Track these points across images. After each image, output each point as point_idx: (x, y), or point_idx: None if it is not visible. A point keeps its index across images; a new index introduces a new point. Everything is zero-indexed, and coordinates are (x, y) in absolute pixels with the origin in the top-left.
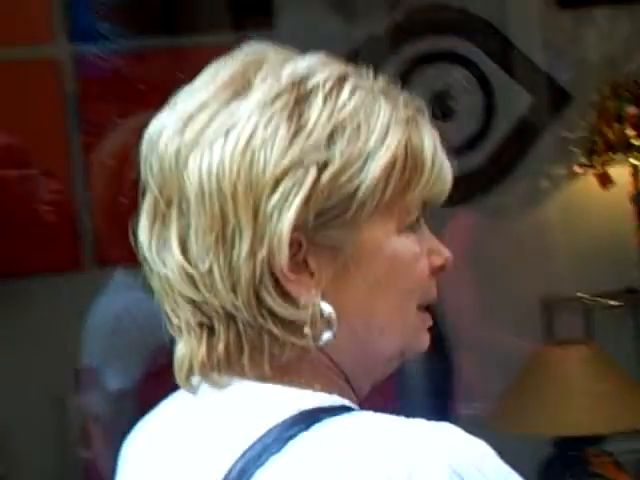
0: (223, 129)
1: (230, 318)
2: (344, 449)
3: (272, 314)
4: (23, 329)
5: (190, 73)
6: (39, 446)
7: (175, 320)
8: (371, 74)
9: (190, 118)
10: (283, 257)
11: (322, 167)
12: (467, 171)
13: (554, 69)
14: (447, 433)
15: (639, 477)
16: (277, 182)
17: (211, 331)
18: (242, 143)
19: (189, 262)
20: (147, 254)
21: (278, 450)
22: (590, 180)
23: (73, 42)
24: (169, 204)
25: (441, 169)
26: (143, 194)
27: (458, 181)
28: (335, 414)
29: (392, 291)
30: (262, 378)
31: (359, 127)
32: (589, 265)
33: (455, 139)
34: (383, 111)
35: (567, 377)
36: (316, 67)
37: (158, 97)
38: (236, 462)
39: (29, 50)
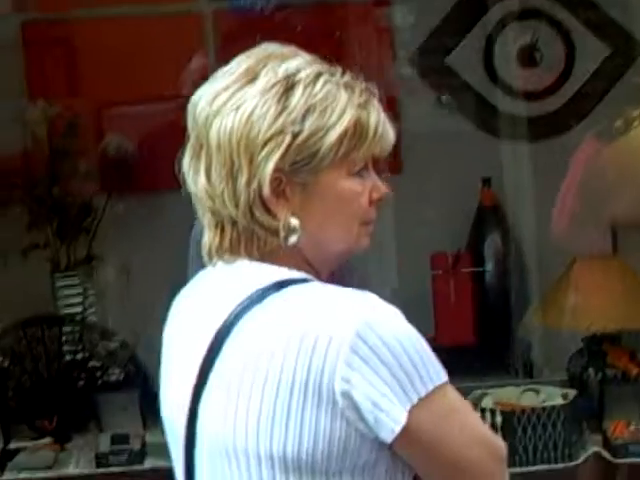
0: (236, 105)
1: (234, 222)
2: (294, 306)
3: (259, 222)
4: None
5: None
6: None
7: (203, 221)
8: (340, 71)
9: (217, 95)
10: (267, 188)
11: (296, 135)
12: (550, 112)
13: (630, 25)
14: (365, 303)
15: None
16: (265, 142)
17: (222, 229)
18: (245, 116)
19: (210, 185)
20: (187, 178)
21: (259, 301)
22: None
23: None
24: (201, 147)
25: (382, 137)
26: (188, 137)
27: (542, 120)
28: (297, 283)
29: (339, 213)
30: (253, 259)
31: (325, 109)
32: None
33: (539, 84)
34: (342, 98)
35: (594, 284)
36: (303, 66)
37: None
38: (232, 310)
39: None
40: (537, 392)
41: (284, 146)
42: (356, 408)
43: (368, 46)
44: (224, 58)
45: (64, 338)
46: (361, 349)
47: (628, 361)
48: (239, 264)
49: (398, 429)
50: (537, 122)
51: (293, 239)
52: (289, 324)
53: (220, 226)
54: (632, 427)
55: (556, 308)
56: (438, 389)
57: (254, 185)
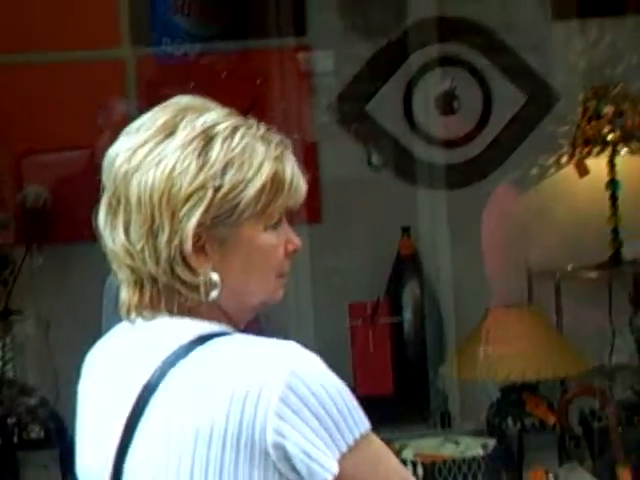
0: (156, 160)
1: (154, 279)
2: (221, 360)
3: (180, 279)
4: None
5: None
6: None
7: (120, 277)
8: (256, 124)
9: (135, 150)
10: (189, 244)
11: (217, 189)
12: (468, 159)
13: (546, 72)
14: (290, 353)
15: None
16: (187, 198)
17: (142, 286)
18: (167, 171)
19: (129, 242)
20: (103, 233)
21: (184, 356)
22: (573, 169)
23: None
24: (118, 203)
25: (296, 189)
26: (102, 192)
27: (460, 167)
28: (220, 336)
29: (258, 266)
30: (173, 315)
31: (243, 163)
32: (569, 242)
33: (457, 131)
34: (260, 151)
35: (509, 334)
36: (220, 119)
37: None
38: (157, 367)
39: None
40: (457, 443)
41: (206, 201)
42: (288, 459)
43: (289, 92)
44: (146, 105)
45: None
46: (290, 400)
47: (546, 410)
48: (159, 320)
49: (329, 478)
50: (455, 170)
51: (214, 294)
52: (218, 378)
53: (139, 283)
54: (551, 476)
55: (472, 359)
56: (364, 437)
57: (175, 242)
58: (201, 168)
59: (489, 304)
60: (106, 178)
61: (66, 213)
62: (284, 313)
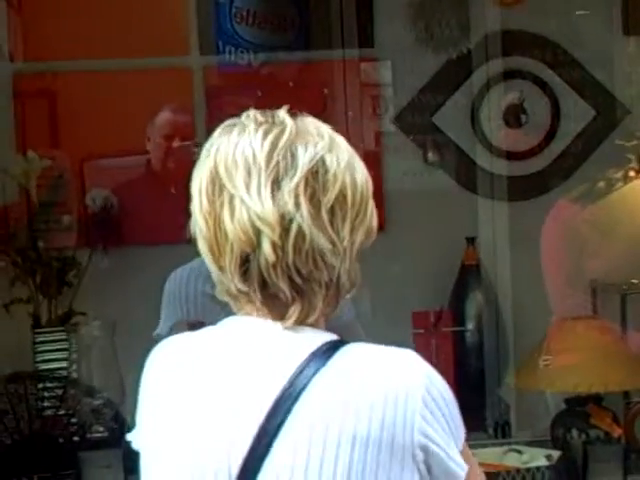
0: (352, 162)
1: (329, 283)
2: (363, 368)
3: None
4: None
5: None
6: None
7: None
8: None
9: (333, 147)
10: (372, 238)
11: None
12: (533, 172)
13: (616, 87)
14: (420, 360)
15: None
16: (367, 203)
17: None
18: (364, 172)
19: (338, 238)
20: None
21: (323, 365)
22: None
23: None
24: (324, 193)
25: None
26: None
27: (525, 180)
28: (343, 344)
29: None
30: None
31: None
32: (635, 255)
33: (524, 144)
34: None
35: (576, 345)
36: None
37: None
38: (294, 374)
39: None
40: (520, 452)
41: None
42: (428, 460)
43: (355, 103)
44: (212, 113)
45: (46, 394)
46: (429, 402)
47: (611, 422)
48: (281, 328)
49: (463, 475)
50: (520, 182)
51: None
52: (366, 386)
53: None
54: None
55: (537, 369)
56: (464, 439)
57: (360, 238)
58: None
59: (552, 316)
60: (305, 165)
61: (130, 217)
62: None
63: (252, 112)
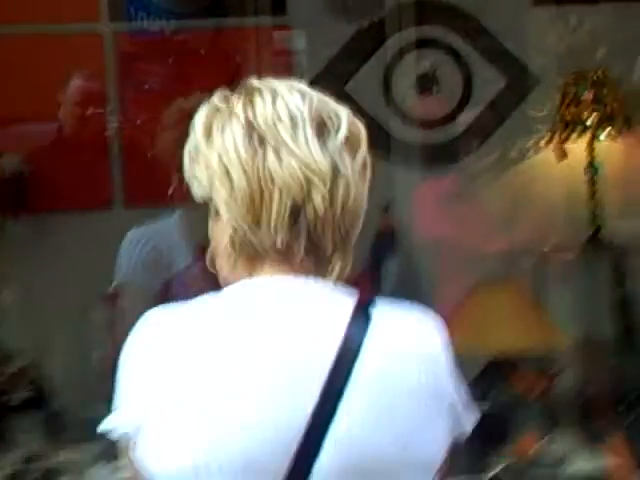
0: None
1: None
2: (403, 327)
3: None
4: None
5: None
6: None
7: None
8: None
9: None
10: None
11: None
12: (446, 140)
13: (526, 57)
14: (437, 319)
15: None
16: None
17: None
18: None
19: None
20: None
21: (368, 324)
22: (551, 153)
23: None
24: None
25: None
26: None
27: (438, 148)
28: (371, 302)
29: None
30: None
31: None
32: (547, 224)
33: (436, 113)
34: None
35: (494, 309)
36: None
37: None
38: (345, 335)
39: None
40: None
41: None
42: (452, 412)
43: (268, 70)
44: (123, 80)
45: None
46: (450, 359)
47: (529, 383)
48: (305, 283)
49: (469, 429)
50: (433, 150)
51: None
52: (410, 344)
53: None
54: (535, 448)
55: (456, 333)
56: None
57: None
58: None
59: (468, 282)
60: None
61: (42, 183)
62: None
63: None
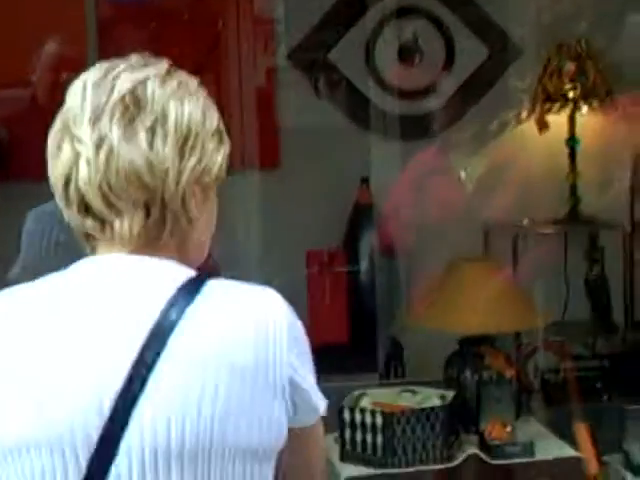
0: (187, 92)
1: (163, 204)
2: (232, 303)
3: (186, 209)
4: None
5: None
6: None
7: (114, 200)
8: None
9: (163, 79)
10: (210, 176)
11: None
12: (427, 111)
13: (509, 27)
14: (280, 297)
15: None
16: (213, 135)
17: (147, 210)
18: (201, 104)
19: (156, 156)
20: (103, 151)
21: (193, 298)
22: (533, 125)
23: None
24: (138, 112)
25: None
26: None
27: (421, 118)
28: (206, 279)
29: (212, 226)
30: (154, 255)
31: None
32: (527, 197)
33: (419, 83)
34: None
35: (469, 286)
36: None
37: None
38: (164, 309)
39: None
40: (414, 393)
41: (225, 146)
42: (294, 393)
43: (249, 38)
44: (104, 45)
45: None
46: (293, 337)
47: (504, 363)
48: (134, 260)
49: (324, 407)
50: (413, 121)
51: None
52: (239, 319)
53: (147, 207)
54: (508, 428)
55: (431, 310)
56: None
57: (198, 169)
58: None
59: (445, 257)
60: (129, 92)
61: (21, 150)
62: (241, 259)
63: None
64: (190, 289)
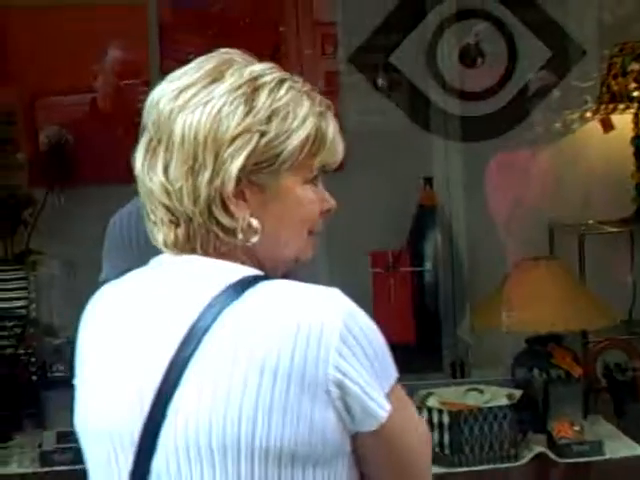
0: (203, 101)
1: (189, 219)
2: (278, 300)
3: (217, 221)
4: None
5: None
6: None
7: (153, 218)
8: (301, 80)
9: (182, 91)
10: (230, 186)
11: (262, 135)
12: (491, 112)
13: (572, 28)
14: (341, 296)
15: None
16: (233, 139)
17: (177, 226)
18: (214, 112)
19: (168, 181)
20: (140, 174)
21: (237, 297)
22: (598, 125)
23: None
24: (159, 142)
25: (336, 148)
26: (141, 133)
27: (483, 120)
28: (264, 279)
29: (294, 218)
30: (210, 257)
31: (288, 113)
32: (592, 197)
33: (481, 85)
34: (305, 105)
35: (536, 286)
36: (267, 70)
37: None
38: (206, 307)
39: None
40: (481, 392)
41: (251, 145)
42: (345, 398)
43: (310, 41)
44: (165, 51)
45: (5, 334)
46: (349, 339)
47: (571, 361)
48: (194, 260)
49: (385, 416)
50: (476, 123)
51: (254, 239)
52: (280, 318)
53: (175, 223)
54: (576, 427)
55: (498, 309)
56: (395, 381)
57: (216, 182)
58: (248, 113)
59: (510, 256)
60: (147, 118)
61: (84, 156)
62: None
63: None
64: (238, 287)
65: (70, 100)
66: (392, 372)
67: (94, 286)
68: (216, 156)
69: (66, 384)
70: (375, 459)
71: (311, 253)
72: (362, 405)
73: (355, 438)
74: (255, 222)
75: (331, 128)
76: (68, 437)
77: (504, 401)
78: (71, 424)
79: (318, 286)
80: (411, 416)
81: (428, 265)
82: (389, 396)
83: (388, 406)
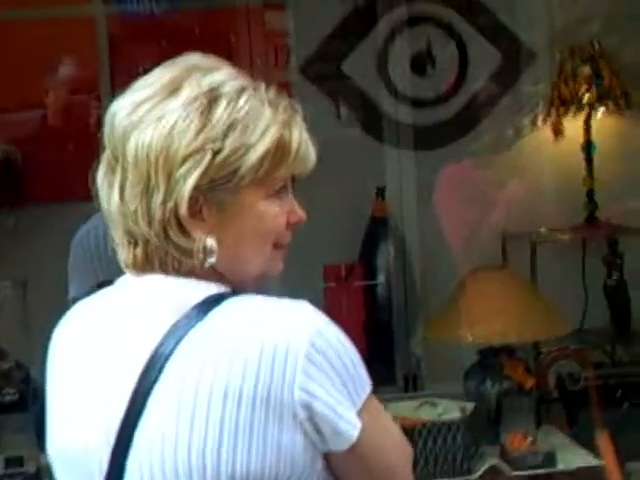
0: (156, 117)
1: (146, 241)
2: (243, 319)
3: (173, 243)
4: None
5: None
6: None
7: (114, 237)
8: (264, 86)
9: (137, 106)
10: (184, 207)
11: (216, 153)
12: (444, 119)
13: (521, 32)
14: (309, 312)
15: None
16: (185, 159)
17: (135, 246)
18: (167, 129)
19: (123, 202)
20: (100, 192)
21: (201, 318)
22: (549, 131)
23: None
24: (116, 161)
25: (304, 157)
26: (103, 148)
27: (435, 128)
28: (229, 296)
29: (254, 235)
30: (170, 277)
31: (247, 126)
32: (544, 204)
33: (433, 92)
34: (266, 115)
35: (487, 296)
36: (227, 79)
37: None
38: (169, 331)
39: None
40: (434, 405)
41: (204, 164)
42: (314, 419)
43: (260, 51)
44: (116, 62)
45: None
46: (315, 358)
47: (523, 372)
48: (157, 281)
49: (356, 434)
50: (429, 130)
51: (211, 260)
52: (243, 339)
53: (133, 243)
54: (529, 439)
55: (451, 321)
56: (368, 395)
57: (170, 204)
58: (202, 129)
59: (463, 267)
60: (107, 133)
61: (36, 173)
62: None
63: None
64: (201, 310)
65: (19, 117)
66: (365, 385)
67: (44, 309)
68: (168, 176)
69: (16, 408)
70: (352, 478)
71: (281, 266)
72: (331, 425)
73: (329, 457)
74: (210, 242)
75: (295, 137)
76: (17, 462)
77: (457, 414)
78: (20, 448)
79: (286, 301)
80: (386, 430)
81: (381, 278)
82: (361, 412)
83: (359, 424)
